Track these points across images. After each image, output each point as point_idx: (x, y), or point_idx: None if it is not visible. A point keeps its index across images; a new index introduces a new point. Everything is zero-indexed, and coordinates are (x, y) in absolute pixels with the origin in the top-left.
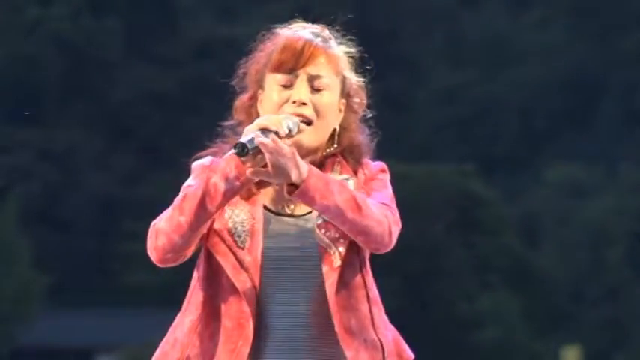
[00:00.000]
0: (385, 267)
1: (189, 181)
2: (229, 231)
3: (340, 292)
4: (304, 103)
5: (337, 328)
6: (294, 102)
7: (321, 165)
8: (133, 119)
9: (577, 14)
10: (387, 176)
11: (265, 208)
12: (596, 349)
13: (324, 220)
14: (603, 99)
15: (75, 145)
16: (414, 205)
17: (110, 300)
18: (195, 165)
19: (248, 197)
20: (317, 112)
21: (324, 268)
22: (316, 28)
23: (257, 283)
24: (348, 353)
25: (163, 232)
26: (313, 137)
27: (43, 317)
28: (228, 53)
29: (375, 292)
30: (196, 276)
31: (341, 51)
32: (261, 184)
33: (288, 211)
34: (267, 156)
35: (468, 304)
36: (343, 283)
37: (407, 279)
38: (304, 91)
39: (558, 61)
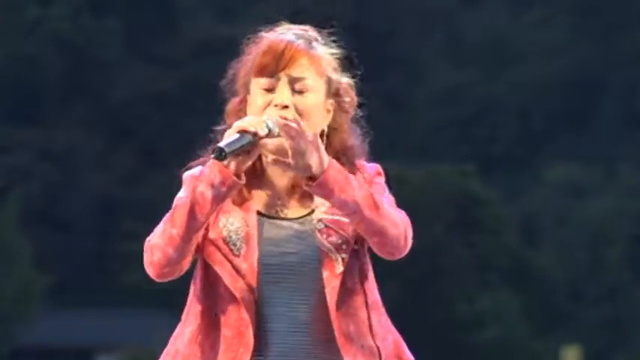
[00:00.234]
0: (385, 267)
1: (180, 193)
2: (224, 239)
3: (340, 299)
4: (286, 106)
5: (337, 334)
6: (276, 105)
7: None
8: (133, 119)
9: (577, 14)
10: (383, 179)
11: (259, 213)
12: (595, 349)
13: (326, 226)
14: (603, 99)
15: (75, 145)
16: (414, 206)
17: (110, 300)
18: (186, 176)
19: (241, 203)
20: (300, 114)
21: (325, 274)
22: (301, 29)
23: (255, 289)
24: (347, 359)
25: (157, 247)
26: None
27: (43, 317)
28: (228, 53)
29: (374, 297)
30: (194, 287)
31: (326, 51)
32: (253, 189)
33: (283, 215)
34: (288, 142)
35: (468, 304)
36: (343, 289)
37: (407, 279)
38: (286, 94)
39: (558, 61)
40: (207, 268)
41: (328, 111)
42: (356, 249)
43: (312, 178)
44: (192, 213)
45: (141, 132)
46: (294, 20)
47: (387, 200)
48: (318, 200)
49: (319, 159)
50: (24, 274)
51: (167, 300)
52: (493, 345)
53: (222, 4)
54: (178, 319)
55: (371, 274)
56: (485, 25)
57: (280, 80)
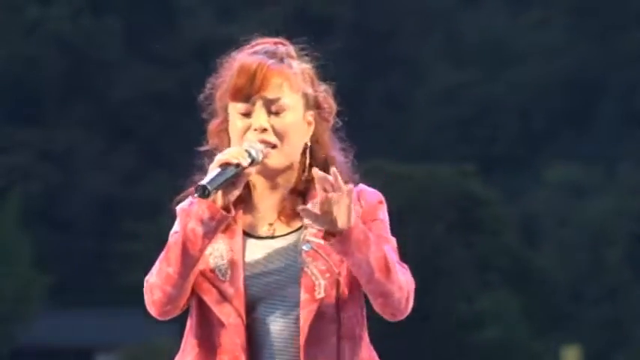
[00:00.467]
0: None
1: (174, 227)
2: (210, 267)
3: (312, 324)
4: (265, 130)
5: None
6: (255, 129)
7: (306, 191)
8: (133, 119)
9: (577, 14)
10: (385, 210)
11: (246, 233)
12: (596, 349)
13: (313, 248)
14: (603, 99)
15: (75, 145)
16: (415, 206)
17: (110, 300)
18: (179, 210)
19: (226, 228)
20: (279, 135)
21: (303, 296)
22: (273, 45)
23: (243, 313)
24: None
25: (156, 286)
26: (280, 159)
27: (43, 317)
28: (228, 53)
29: (351, 327)
30: (189, 318)
31: (299, 65)
32: (240, 209)
33: (270, 233)
34: (320, 194)
35: (468, 304)
36: (318, 314)
37: None
38: (263, 117)
39: (558, 61)
40: (200, 298)
41: (309, 123)
42: (338, 279)
43: (332, 232)
44: (185, 250)
45: (141, 132)
46: (256, 38)
47: (390, 246)
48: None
49: (347, 216)
50: (24, 274)
51: None
52: (493, 345)
53: (222, 4)
54: (177, 318)
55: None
56: (485, 25)
57: (256, 104)
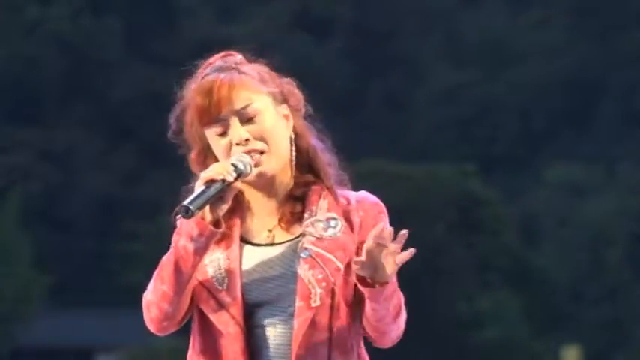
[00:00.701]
0: None
1: (174, 237)
2: (208, 277)
3: (306, 332)
4: (247, 139)
5: None
6: (237, 144)
7: (304, 196)
8: (133, 119)
9: (577, 14)
10: (386, 219)
11: (243, 240)
12: (596, 349)
13: (310, 256)
14: (603, 99)
15: (75, 145)
16: (415, 206)
17: (110, 300)
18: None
19: (223, 237)
20: (262, 139)
21: (299, 303)
22: (223, 59)
23: (241, 321)
24: None
25: (153, 304)
26: (273, 162)
27: (43, 317)
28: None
29: (343, 338)
30: (192, 328)
31: (253, 68)
32: (237, 217)
33: (269, 240)
34: (374, 247)
35: (468, 304)
36: (312, 323)
37: (407, 279)
38: (239, 129)
39: (558, 61)
40: (201, 310)
41: (287, 117)
42: (334, 288)
43: (365, 279)
44: (177, 268)
45: (141, 132)
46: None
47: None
48: (306, 223)
49: (392, 270)
50: (24, 274)
51: None
52: (493, 345)
53: (222, 3)
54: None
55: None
56: (485, 25)
57: (228, 119)
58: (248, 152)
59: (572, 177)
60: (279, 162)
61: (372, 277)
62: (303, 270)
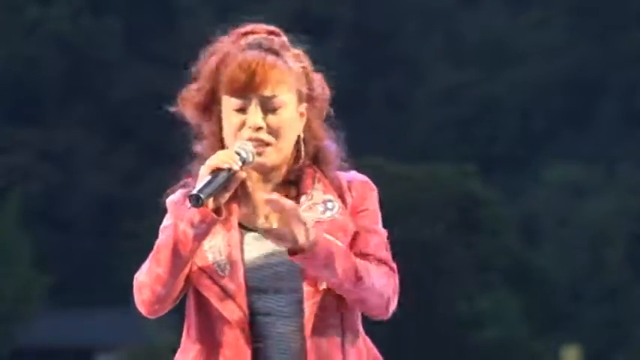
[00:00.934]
0: None
1: (165, 222)
2: (209, 263)
3: (317, 316)
4: (260, 128)
5: (308, 351)
6: (249, 127)
7: (298, 179)
8: (133, 119)
9: (577, 14)
10: (375, 196)
11: (242, 226)
12: (596, 349)
13: None
14: (603, 99)
15: (75, 145)
16: (415, 205)
17: (110, 300)
18: (169, 202)
19: (223, 222)
20: (274, 133)
21: (306, 289)
22: (267, 37)
23: (245, 308)
24: None
25: (146, 286)
26: (275, 157)
27: (43, 317)
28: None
29: (351, 319)
30: (187, 313)
31: (294, 57)
32: (234, 201)
33: (265, 225)
34: (274, 216)
35: (468, 304)
36: (322, 306)
37: (407, 279)
38: (258, 115)
39: (558, 61)
40: (199, 294)
41: (302, 114)
42: None
43: (295, 250)
44: (175, 251)
45: (141, 132)
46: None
47: (377, 239)
48: (304, 207)
49: (305, 232)
50: (24, 274)
51: None
52: (493, 345)
53: (222, 3)
54: (177, 319)
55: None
56: (485, 25)
57: (252, 101)
58: (255, 139)
59: (572, 177)
60: (280, 157)
61: (294, 247)
62: None
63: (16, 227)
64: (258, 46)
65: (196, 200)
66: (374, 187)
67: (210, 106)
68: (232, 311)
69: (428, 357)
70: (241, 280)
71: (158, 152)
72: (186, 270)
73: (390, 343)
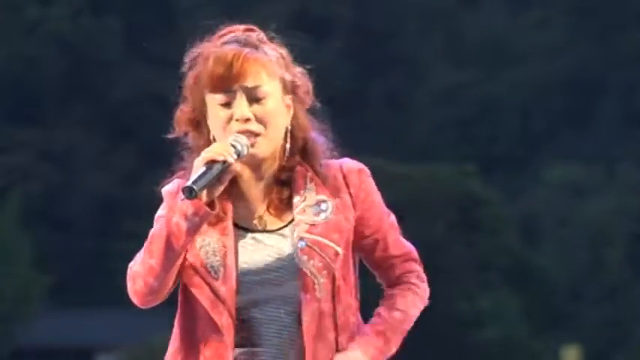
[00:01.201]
0: None
1: (160, 211)
2: (202, 262)
3: (315, 323)
4: (248, 119)
5: (307, 357)
6: (237, 120)
7: (290, 179)
8: (133, 119)
9: (577, 14)
10: (371, 180)
11: (237, 226)
12: (596, 349)
13: (308, 245)
14: (603, 99)
15: (75, 145)
16: (415, 205)
17: (110, 300)
18: (164, 192)
19: (217, 222)
20: (262, 122)
21: (304, 296)
22: (245, 32)
23: (234, 313)
24: None
25: (139, 276)
26: (266, 146)
27: (43, 317)
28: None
29: (346, 319)
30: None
31: (274, 50)
32: (228, 201)
33: (261, 227)
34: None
35: (468, 304)
36: (319, 312)
37: None
38: (244, 106)
39: (558, 61)
40: (186, 290)
41: (288, 107)
42: (335, 273)
43: None
44: (168, 244)
45: (141, 132)
46: (224, 25)
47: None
48: (297, 210)
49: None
50: (24, 274)
51: (167, 300)
52: (493, 345)
53: (222, 4)
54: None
55: (347, 296)
56: (485, 25)
57: (236, 93)
58: (244, 132)
59: (572, 177)
60: (270, 147)
61: None
62: (302, 262)
63: (16, 227)
64: (236, 41)
65: (189, 192)
66: (367, 170)
67: (201, 119)
68: (222, 315)
69: (428, 357)
70: (233, 284)
71: (158, 152)
72: (179, 262)
73: None
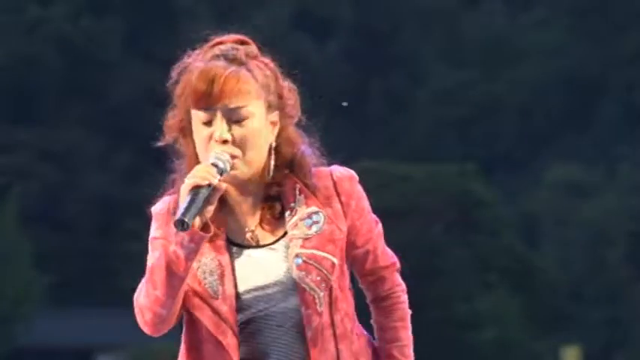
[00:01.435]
0: None
1: (153, 231)
2: (200, 283)
3: (317, 336)
4: (226, 141)
5: None
6: (216, 140)
7: (280, 194)
8: (133, 119)
9: (577, 14)
10: (360, 187)
11: (230, 241)
12: (596, 349)
13: (304, 261)
14: (603, 99)
15: (75, 145)
16: (415, 205)
17: (110, 300)
18: (155, 213)
19: (211, 240)
20: (240, 145)
21: (306, 311)
22: (233, 48)
23: (237, 331)
24: None
25: (146, 308)
26: (245, 169)
27: (43, 317)
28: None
29: (344, 327)
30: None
31: (260, 67)
32: (220, 218)
33: (253, 242)
34: None
35: (468, 304)
36: (320, 325)
37: (406, 279)
38: (223, 128)
39: (558, 61)
40: (188, 310)
41: (274, 124)
42: (332, 285)
43: None
44: (170, 273)
45: (141, 132)
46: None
47: (381, 244)
48: (289, 225)
49: None
50: (24, 274)
51: None
52: (493, 345)
53: (222, 4)
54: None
55: (344, 304)
56: (485, 25)
57: (216, 113)
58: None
59: (573, 177)
60: (250, 169)
61: None
62: (300, 278)
63: (16, 227)
64: (223, 57)
65: (182, 225)
66: (355, 175)
67: (188, 127)
68: (225, 334)
69: (428, 357)
70: (234, 302)
71: (158, 152)
72: (184, 287)
73: None
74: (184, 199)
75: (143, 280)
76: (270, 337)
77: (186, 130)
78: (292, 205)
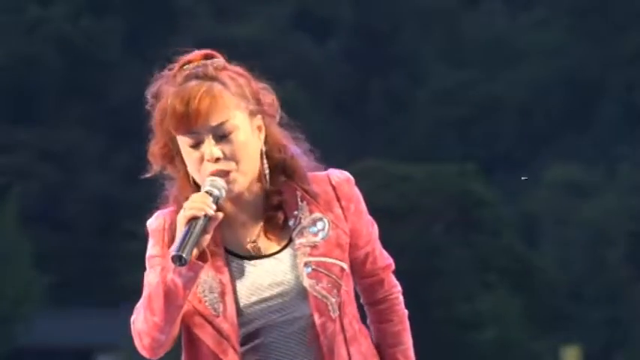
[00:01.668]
0: None
1: (150, 249)
2: (201, 301)
3: (331, 342)
4: (218, 159)
5: None
6: (208, 160)
7: (281, 203)
8: (133, 119)
9: (577, 14)
10: (356, 189)
11: (230, 252)
12: (596, 349)
13: (313, 269)
14: (603, 99)
15: (75, 145)
16: (415, 205)
17: (110, 300)
18: (151, 229)
19: (210, 255)
20: (233, 158)
21: (319, 319)
22: (201, 65)
23: (239, 349)
24: None
25: (144, 333)
26: (241, 180)
27: (43, 317)
28: (228, 54)
29: (353, 330)
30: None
31: (232, 76)
32: (219, 231)
33: (255, 252)
34: None
35: (468, 304)
36: (335, 333)
37: (407, 279)
38: (212, 146)
39: (558, 61)
40: (189, 331)
41: (260, 128)
42: (341, 289)
43: None
44: (168, 300)
45: (141, 132)
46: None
47: (378, 245)
48: (295, 233)
49: None
50: (24, 274)
51: None
52: (493, 345)
53: (222, 4)
54: None
55: (350, 307)
56: (485, 25)
57: (201, 134)
58: (217, 172)
59: (572, 177)
60: (247, 179)
61: None
62: (311, 286)
63: (16, 227)
64: (194, 76)
65: (179, 260)
66: (351, 178)
67: (174, 153)
68: (227, 352)
69: (427, 357)
70: (235, 319)
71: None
72: (182, 312)
73: None
74: (180, 232)
75: (140, 305)
76: (276, 348)
77: (171, 156)
78: (296, 212)
